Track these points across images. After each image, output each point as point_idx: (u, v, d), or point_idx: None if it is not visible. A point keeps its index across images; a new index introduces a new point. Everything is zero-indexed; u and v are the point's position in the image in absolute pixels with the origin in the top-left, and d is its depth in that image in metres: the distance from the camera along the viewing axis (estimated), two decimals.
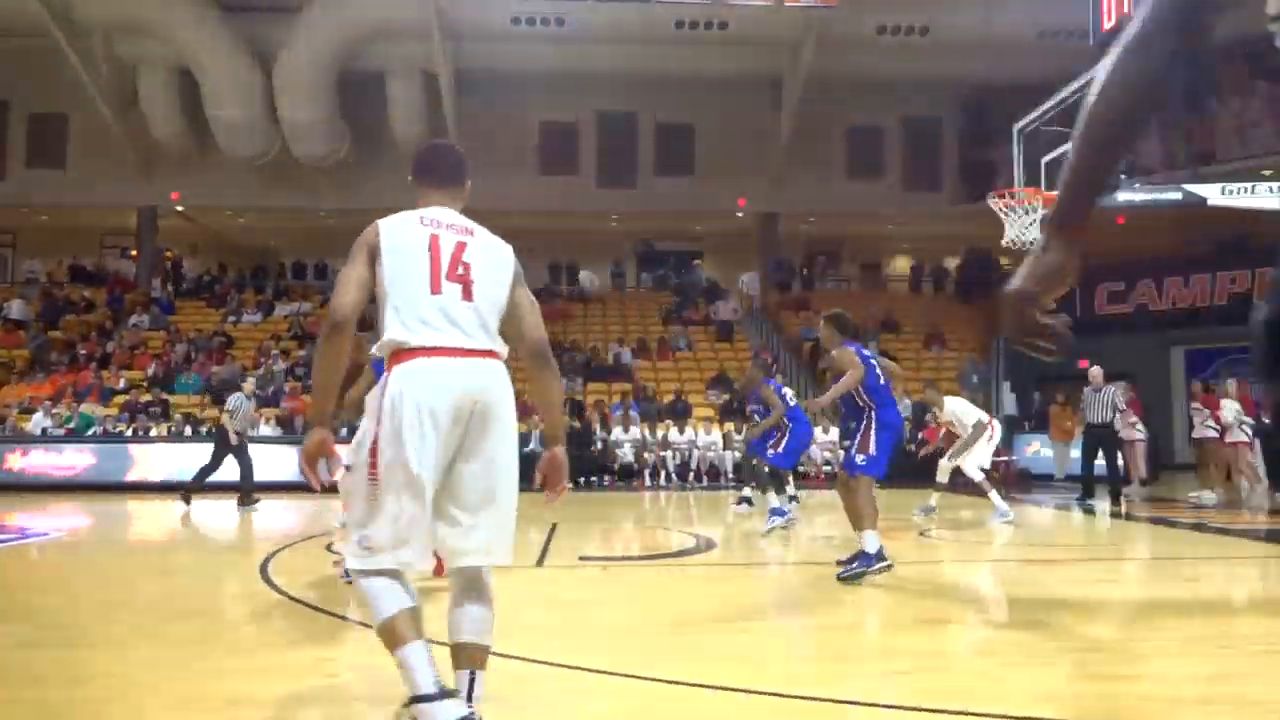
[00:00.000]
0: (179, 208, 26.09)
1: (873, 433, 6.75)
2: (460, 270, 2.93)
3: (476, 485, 2.86)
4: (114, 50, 22.66)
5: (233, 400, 13.37)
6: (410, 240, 2.96)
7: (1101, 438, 13.02)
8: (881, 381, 6.95)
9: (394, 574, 2.78)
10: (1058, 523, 11.39)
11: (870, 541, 6.44)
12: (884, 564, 6.35)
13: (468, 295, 2.91)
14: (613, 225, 27.69)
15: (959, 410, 11.04)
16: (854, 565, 6.36)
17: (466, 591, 2.92)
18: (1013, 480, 15.91)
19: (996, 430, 11.29)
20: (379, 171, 24.85)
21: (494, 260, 3.04)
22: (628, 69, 23.01)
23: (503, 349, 2.98)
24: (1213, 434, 13.11)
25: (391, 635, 2.75)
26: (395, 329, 2.83)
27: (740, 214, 26.42)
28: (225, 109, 22.59)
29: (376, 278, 2.91)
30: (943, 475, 10.95)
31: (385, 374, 2.85)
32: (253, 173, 24.29)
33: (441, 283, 2.89)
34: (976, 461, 10.78)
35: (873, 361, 7.01)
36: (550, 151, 25.49)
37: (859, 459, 6.72)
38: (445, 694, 2.72)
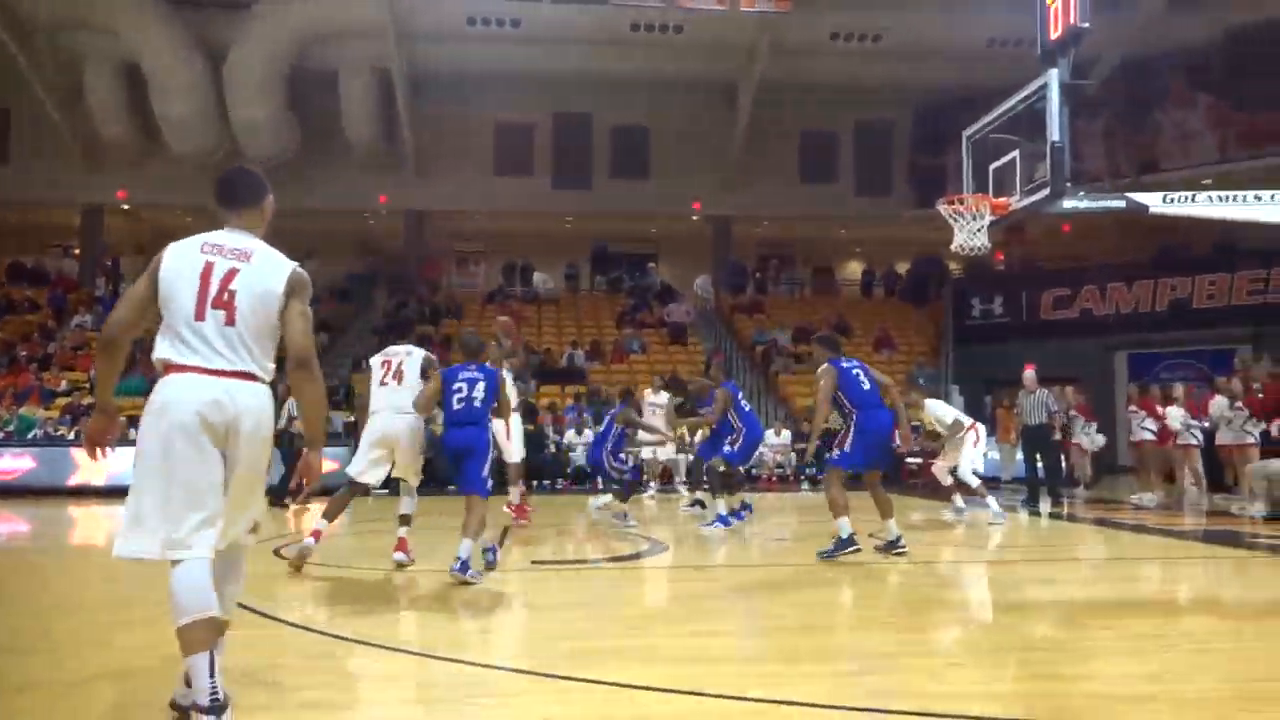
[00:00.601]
0: (125, 206, 25.61)
1: (850, 434, 7.65)
2: (225, 297, 3.24)
3: (234, 490, 3.23)
4: (58, 45, 22.21)
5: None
6: (185, 267, 3.26)
7: (1036, 440, 13.24)
8: (865, 388, 7.69)
9: (197, 572, 3.13)
10: (1004, 525, 11.56)
11: (842, 528, 7.38)
12: (853, 548, 7.34)
13: (230, 321, 3.24)
14: (567, 227, 27.66)
15: (937, 411, 11.36)
16: (831, 549, 7.38)
17: (226, 572, 3.34)
18: (961, 483, 16.09)
19: (981, 432, 11.51)
20: (332, 171, 24.60)
21: (262, 287, 3.31)
22: (583, 71, 23.01)
23: (263, 370, 3.32)
24: (1150, 436, 13.38)
25: (181, 642, 3.10)
26: (162, 347, 3.21)
27: (695, 217, 26.53)
28: (173, 106, 22.21)
29: (157, 297, 3.25)
30: (943, 477, 11.34)
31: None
32: (202, 170, 23.88)
33: (206, 310, 3.22)
34: (969, 464, 11.12)
35: (854, 372, 7.75)
36: (505, 152, 25.42)
37: (834, 453, 7.72)
38: (219, 709, 3.03)
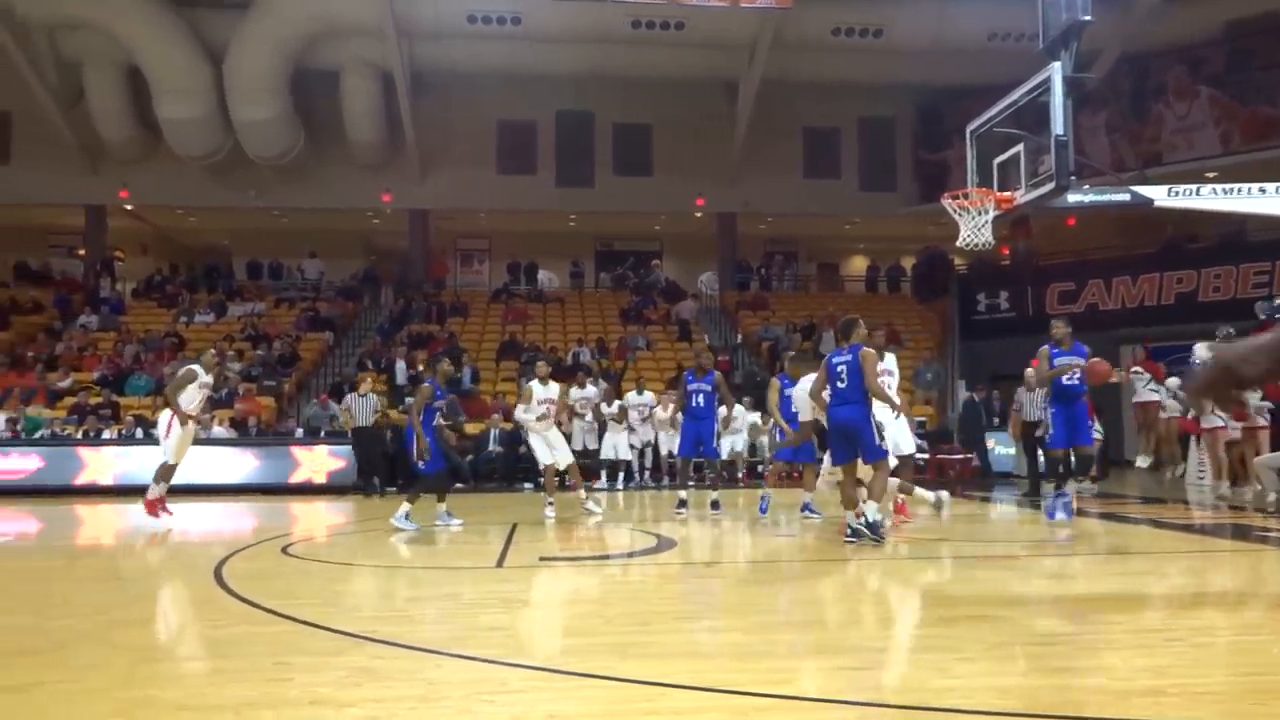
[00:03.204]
0: (128, 206, 25.65)
1: None
2: None
3: None
4: (58, 47, 22.22)
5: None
6: None
7: (1035, 435, 13.28)
8: (840, 385, 7.96)
9: None
10: (1009, 519, 11.55)
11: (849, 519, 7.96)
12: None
13: None
14: (571, 225, 27.67)
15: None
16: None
17: None
18: (967, 477, 16.17)
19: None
20: (335, 170, 24.63)
21: None
22: (585, 68, 22.99)
23: None
24: (1154, 398, 13.34)
25: None
26: None
27: (698, 214, 26.52)
28: (174, 107, 22.21)
29: None
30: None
31: None
32: (204, 170, 23.94)
33: None
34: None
35: (838, 367, 8.03)
36: (508, 150, 25.45)
37: None
38: None
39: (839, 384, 7.90)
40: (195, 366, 10.72)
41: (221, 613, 5.48)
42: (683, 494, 11.36)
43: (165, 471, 10.56)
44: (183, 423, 10.40)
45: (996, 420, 17.82)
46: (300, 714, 3.44)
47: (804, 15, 21.21)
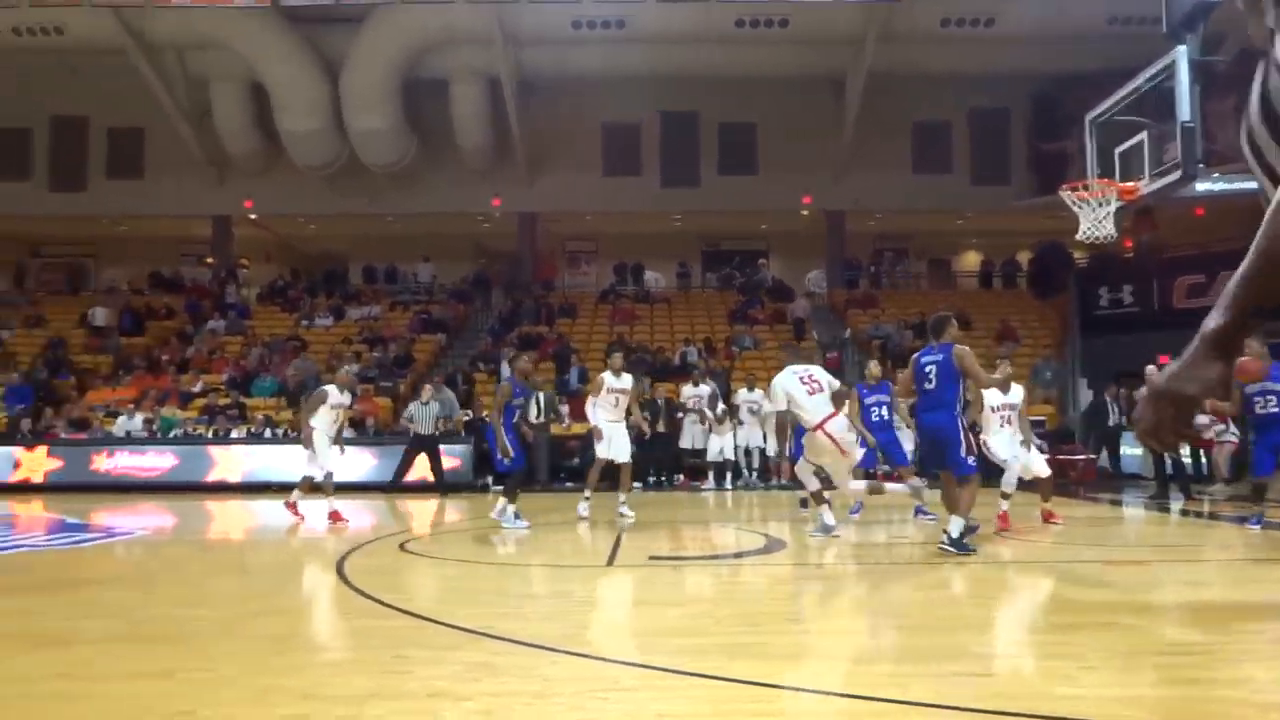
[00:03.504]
0: (252, 216, 26.81)
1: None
2: None
3: None
4: (186, 66, 23.44)
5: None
6: None
7: None
8: (927, 386, 7.54)
9: None
10: (1137, 522, 11.09)
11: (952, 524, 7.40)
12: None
13: None
14: (677, 225, 27.72)
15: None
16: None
17: None
18: (1091, 478, 15.58)
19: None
20: (445, 176, 25.24)
21: None
22: (689, 69, 22.99)
23: None
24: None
25: None
26: None
27: (805, 212, 26.25)
28: (294, 120, 23.17)
29: None
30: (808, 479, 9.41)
31: None
32: (323, 180, 24.83)
33: None
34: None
35: (927, 368, 7.57)
36: (613, 152, 25.64)
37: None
38: None
39: (927, 385, 7.48)
40: (328, 388, 11.02)
41: (344, 606, 5.68)
42: (803, 493, 11.18)
43: (327, 479, 10.95)
44: (307, 444, 10.83)
45: (1125, 420, 17.09)
46: (419, 706, 3.53)
47: (912, 7, 20.80)
